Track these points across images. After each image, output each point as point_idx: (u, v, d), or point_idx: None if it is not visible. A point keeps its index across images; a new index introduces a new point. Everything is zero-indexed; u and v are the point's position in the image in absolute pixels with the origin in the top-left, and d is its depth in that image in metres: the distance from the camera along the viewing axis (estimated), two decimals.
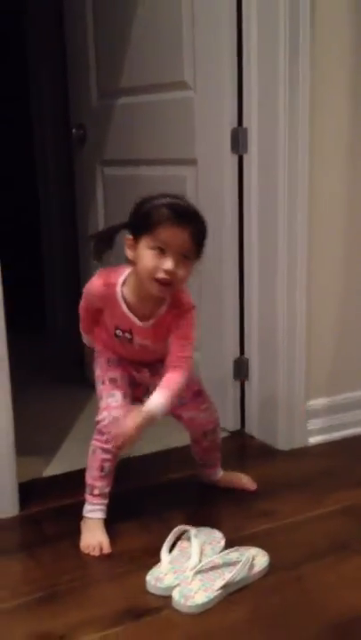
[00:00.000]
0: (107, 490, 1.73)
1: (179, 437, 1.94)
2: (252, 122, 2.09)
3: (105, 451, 1.70)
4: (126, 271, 1.66)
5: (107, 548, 1.67)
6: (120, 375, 1.75)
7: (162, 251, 1.55)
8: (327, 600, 1.50)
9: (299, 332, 2.17)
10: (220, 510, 1.86)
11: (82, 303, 1.77)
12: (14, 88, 3.57)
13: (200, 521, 1.75)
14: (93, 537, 1.69)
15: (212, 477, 1.96)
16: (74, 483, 1.88)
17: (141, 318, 1.67)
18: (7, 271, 1.77)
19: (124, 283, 1.66)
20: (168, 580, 1.53)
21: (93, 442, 1.72)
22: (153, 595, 1.51)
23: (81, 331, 1.84)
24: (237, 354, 2.29)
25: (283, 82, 1.99)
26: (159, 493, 1.96)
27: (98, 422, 1.72)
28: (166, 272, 1.55)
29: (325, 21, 2.03)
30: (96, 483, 1.72)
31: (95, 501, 1.72)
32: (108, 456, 1.71)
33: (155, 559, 1.60)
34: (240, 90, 2.09)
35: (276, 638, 1.39)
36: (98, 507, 1.72)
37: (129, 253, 1.61)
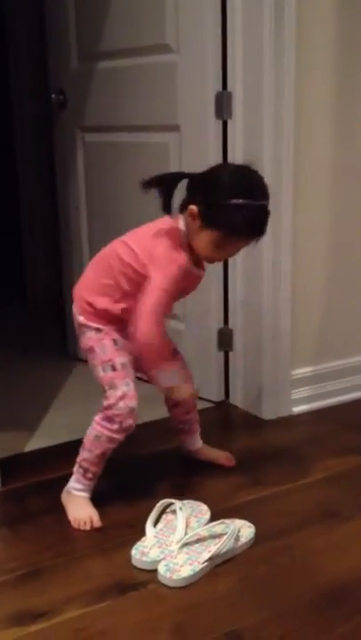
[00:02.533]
0: (99, 473, 1.70)
1: (161, 410, 1.91)
2: (236, 85, 2.03)
3: (112, 440, 1.65)
4: (175, 236, 1.57)
5: (97, 522, 1.65)
6: (128, 359, 1.67)
7: (223, 247, 1.56)
8: (317, 567, 1.50)
9: (283, 302, 2.15)
10: (206, 482, 1.84)
11: (166, 295, 1.55)
12: None
13: (185, 493, 1.74)
14: (82, 511, 1.66)
15: (191, 446, 1.93)
16: (56, 457, 1.86)
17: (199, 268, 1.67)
18: None
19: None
20: (153, 554, 1.51)
21: (100, 429, 1.65)
22: (138, 569, 1.50)
23: (156, 336, 1.55)
24: (221, 324, 2.26)
25: (268, 43, 1.94)
26: (143, 466, 1.93)
27: (109, 407, 1.64)
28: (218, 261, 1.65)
29: None
30: (92, 467, 1.68)
31: (86, 482, 1.69)
32: (114, 445, 1.67)
33: (140, 533, 1.58)
34: (224, 52, 2.04)
35: (267, 606, 1.38)
36: (87, 487, 1.69)
37: (190, 221, 1.56)
